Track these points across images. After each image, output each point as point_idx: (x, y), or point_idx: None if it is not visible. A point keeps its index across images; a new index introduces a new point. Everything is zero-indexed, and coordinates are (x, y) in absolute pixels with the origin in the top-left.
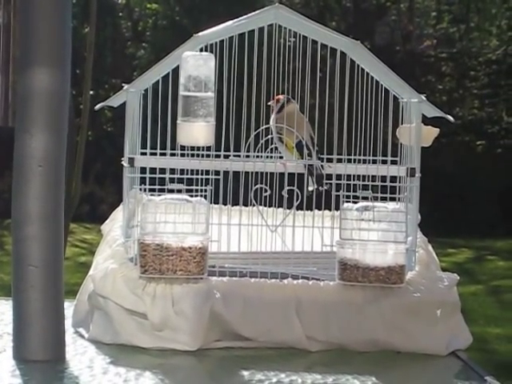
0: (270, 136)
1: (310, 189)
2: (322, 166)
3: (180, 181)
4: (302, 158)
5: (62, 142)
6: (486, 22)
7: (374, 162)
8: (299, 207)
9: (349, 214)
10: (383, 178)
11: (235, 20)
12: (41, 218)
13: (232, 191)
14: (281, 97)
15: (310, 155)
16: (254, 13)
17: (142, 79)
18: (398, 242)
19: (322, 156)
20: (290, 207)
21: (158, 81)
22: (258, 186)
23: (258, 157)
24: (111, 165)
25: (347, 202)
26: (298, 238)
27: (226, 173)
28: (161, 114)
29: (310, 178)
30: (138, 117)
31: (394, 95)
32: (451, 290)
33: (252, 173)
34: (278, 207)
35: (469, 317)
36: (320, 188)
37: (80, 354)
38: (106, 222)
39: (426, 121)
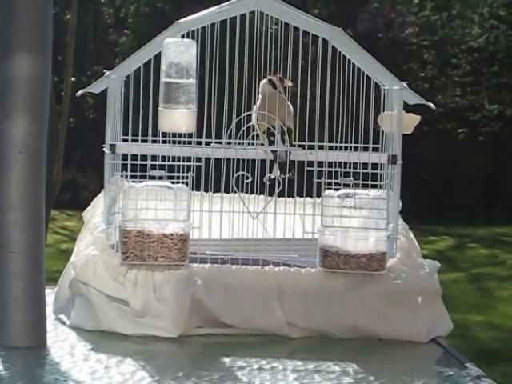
0: (251, 123)
1: (272, 176)
2: (286, 152)
3: (161, 167)
4: (270, 145)
5: (43, 129)
6: (468, 9)
7: (356, 149)
8: (281, 194)
9: (330, 201)
10: (365, 165)
11: (217, 7)
12: (22, 205)
13: (213, 178)
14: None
15: (274, 142)
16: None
17: (123, 66)
18: (379, 229)
19: (303, 143)
20: (271, 194)
21: (140, 67)
22: (240, 172)
23: (239, 144)
24: (93, 152)
25: (329, 189)
26: (280, 224)
27: (208, 160)
28: (142, 100)
29: (274, 165)
30: (119, 103)
31: (376, 82)
32: (432, 277)
33: (233, 160)
34: (260, 194)
35: (450, 304)
36: (282, 176)
37: (61, 340)
38: (88, 208)
39: (408, 108)
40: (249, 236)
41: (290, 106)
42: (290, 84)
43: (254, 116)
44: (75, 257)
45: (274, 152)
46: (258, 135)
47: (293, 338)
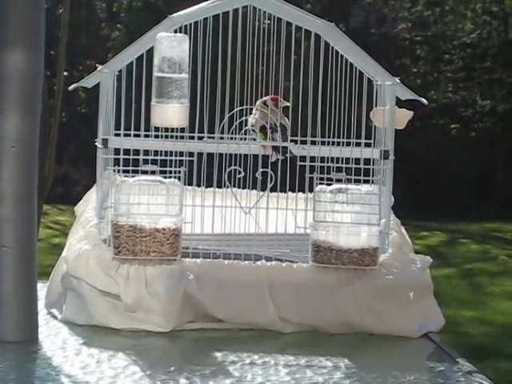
0: (244, 118)
1: (274, 159)
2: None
3: (154, 162)
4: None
5: (36, 124)
6: (461, 5)
7: (348, 144)
8: (273, 189)
9: (322, 197)
10: (357, 161)
11: (210, 1)
12: (14, 200)
13: (206, 173)
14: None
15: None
16: None
17: (115, 60)
18: (371, 224)
19: (295, 138)
20: (263, 189)
21: (132, 62)
22: (232, 167)
23: (231, 138)
24: (86, 146)
25: (321, 184)
26: (272, 219)
27: (200, 154)
28: (135, 95)
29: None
30: (111, 98)
31: (369, 78)
32: (424, 273)
33: (226, 154)
34: (252, 189)
35: (442, 299)
36: (281, 157)
37: (53, 335)
38: (80, 203)
39: (400, 103)
40: (241, 231)
41: (287, 120)
42: (287, 104)
43: (250, 120)
44: (67, 251)
45: (275, 148)
46: (253, 130)
47: (285, 333)
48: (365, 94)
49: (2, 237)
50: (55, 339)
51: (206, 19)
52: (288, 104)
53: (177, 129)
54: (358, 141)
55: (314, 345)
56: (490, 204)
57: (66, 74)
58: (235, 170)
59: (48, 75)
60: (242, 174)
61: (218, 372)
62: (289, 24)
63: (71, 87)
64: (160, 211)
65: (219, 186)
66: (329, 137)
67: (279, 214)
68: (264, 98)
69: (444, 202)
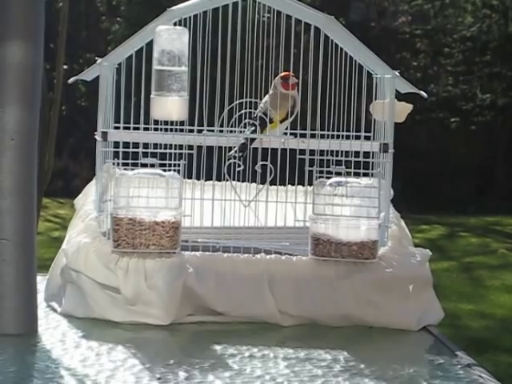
0: (243, 111)
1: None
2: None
3: (153, 155)
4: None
5: (35, 116)
6: None
7: (348, 137)
8: (272, 182)
9: (322, 190)
10: (356, 154)
11: None
12: (13, 192)
13: (205, 166)
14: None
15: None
16: None
17: (115, 53)
18: (370, 217)
19: (295, 131)
20: (263, 182)
21: (132, 55)
22: (232, 160)
23: (231, 131)
24: (85, 140)
25: (320, 177)
26: (271, 213)
27: (200, 147)
28: (134, 88)
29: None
30: (111, 91)
31: (368, 71)
32: (423, 266)
33: (225, 147)
34: (252, 182)
35: (441, 293)
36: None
37: (52, 327)
38: (79, 196)
39: (400, 97)
40: (240, 224)
41: (295, 100)
42: (295, 81)
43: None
44: (67, 244)
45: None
46: (252, 124)
47: (284, 326)
48: (364, 88)
49: (1, 229)
50: (54, 332)
51: (205, 12)
52: (296, 80)
53: (176, 122)
54: (358, 134)
55: (314, 338)
56: (489, 197)
57: (65, 67)
58: (234, 162)
59: (48, 68)
60: (242, 167)
61: (217, 365)
62: (288, 17)
63: (71, 80)
64: (159, 204)
65: (218, 179)
66: (328, 130)
67: (279, 207)
68: (277, 77)
69: (444, 196)
